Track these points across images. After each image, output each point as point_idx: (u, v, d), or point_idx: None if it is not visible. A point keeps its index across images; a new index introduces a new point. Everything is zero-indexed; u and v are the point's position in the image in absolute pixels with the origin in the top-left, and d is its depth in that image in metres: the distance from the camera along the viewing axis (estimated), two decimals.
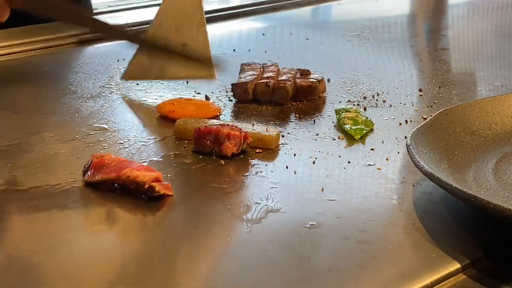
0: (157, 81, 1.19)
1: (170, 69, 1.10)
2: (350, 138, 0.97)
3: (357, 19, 1.65)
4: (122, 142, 0.95)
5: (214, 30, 1.53)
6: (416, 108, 1.08)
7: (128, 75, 1.16)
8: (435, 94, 1.15)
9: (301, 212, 0.79)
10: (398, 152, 0.93)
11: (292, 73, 1.13)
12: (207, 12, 1.61)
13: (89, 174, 0.83)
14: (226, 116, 1.04)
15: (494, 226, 0.75)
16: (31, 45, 1.36)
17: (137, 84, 1.17)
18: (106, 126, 1.00)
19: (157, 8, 1.15)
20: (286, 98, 1.08)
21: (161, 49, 1.08)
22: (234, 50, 1.37)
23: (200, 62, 1.07)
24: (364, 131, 0.98)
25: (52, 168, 0.88)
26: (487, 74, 1.30)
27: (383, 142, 0.96)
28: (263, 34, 1.52)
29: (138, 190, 0.80)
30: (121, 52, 1.34)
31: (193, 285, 0.67)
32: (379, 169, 0.88)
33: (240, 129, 0.91)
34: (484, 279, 0.68)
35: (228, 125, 0.92)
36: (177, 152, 0.92)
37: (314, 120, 1.03)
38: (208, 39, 1.10)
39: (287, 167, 0.88)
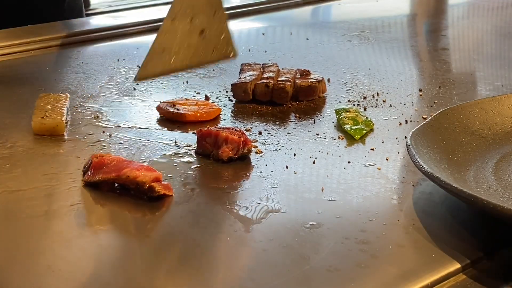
0: (157, 80, 1.19)
1: (188, 57, 1.04)
2: (350, 138, 0.97)
3: (357, 19, 1.65)
4: (122, 142, 0.95)
5: None
6: (416, 108, 1.08)
7: (142, 75, 1.08)
8: (435, 94, 1.15)
9: (301, 212, 0.79)
10: (398, 152, 0.93)
11: (292, 73, 1.13)
12: None
13: (89, 174, 0.83)
14: (226, 116, 1.04)
15: (494, 226, 0.75)
16: (31, 45, 1.36)
17: (137, 84, 1.17)
18: (106, 126, 1.00)
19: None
20: (286, 99, 1.08)
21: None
22: None
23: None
24: (364, 131, 0.98)
25: (52, 168, 0.88)
26: (487, 74, 1.30)
27: (383, 142, 0.96)
28: (263, 34, 1.52)
29: (138, 190, 0.80)
30: (121, 52, 1.34)
31: (193, 285, 0.67)
32: (379, 169, 0.88)
33: (243, 133, 0.90)
34: (484, 279, 0.68)
35: (231, 128, 0.91)
36: (177, 152, 0.92)
37: (314, 120, 1.03)
38: (227, 21, 1.04)
39: (287, 167, 0.88)
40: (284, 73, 1.13)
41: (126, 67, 1.25)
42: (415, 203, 0.80)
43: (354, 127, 0.98)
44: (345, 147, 0.95)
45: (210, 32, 1.03)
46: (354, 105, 1.08)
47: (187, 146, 0.94)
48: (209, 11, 1.04)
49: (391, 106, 1.09)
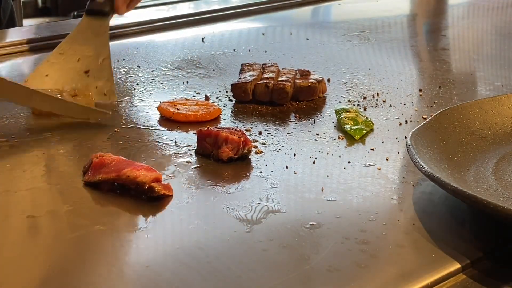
0: (157, 80, 1.19)
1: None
2: (350, 138, 0.97)
3: (357, 19, 1.65)
4: (122, 142, 0.95)
5: (214, 30, 1.53)
6: (416, 108, 1.08)
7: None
8: (435, 94, 1.15)
9: (301, 212, 0.79)
10: (398, 152, 0.93)
11: (292, 74, 1.13)
12: (207, 13, 1.63)
13: (89, 174, 0.83)
14: (226, 116, 1.04)
15: (494, 226, 0.75)
16: (31, 44, 1.36)
17: (137, 84, 1.17)
18: (106, 126, 1.00)
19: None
20: (286, 99, 1.08)
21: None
22: (234, 50, 1.37)
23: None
24: (364, 131, 0.98)
25: (52, 168, 0.88)
26: (487, 74, 1.30)
27: (383, 142, 0.96)
28: (263, 34, 1.52)
29: (138, 190, 0.80)
30: (121, 52, 1.34)
31: (193, 285, 0.67)
32: (379, 169, 0.88)
33: (243, 133, 0.90)
34: (484, 279, 0.68)
35: (231, 128, 0.91)
36: (177, 152, 0.92)
37: (314, 120, 1.03)
38: (112, 71, 1.11)
39: (287, 167, 0.88)
40: (284, 73, 1.13)
41: (126, 67, 1.25)
42: (415, 203, 0.80)
43: (354, 127, 0.98)
44: (345, 147, 0.95)
45: (93, 73, 1.10)
46: (354, 105, 1.08)
47: (187, 146, 0.94)
48: (96, 57, 1.12)
49: (391, 106, 1.09)
